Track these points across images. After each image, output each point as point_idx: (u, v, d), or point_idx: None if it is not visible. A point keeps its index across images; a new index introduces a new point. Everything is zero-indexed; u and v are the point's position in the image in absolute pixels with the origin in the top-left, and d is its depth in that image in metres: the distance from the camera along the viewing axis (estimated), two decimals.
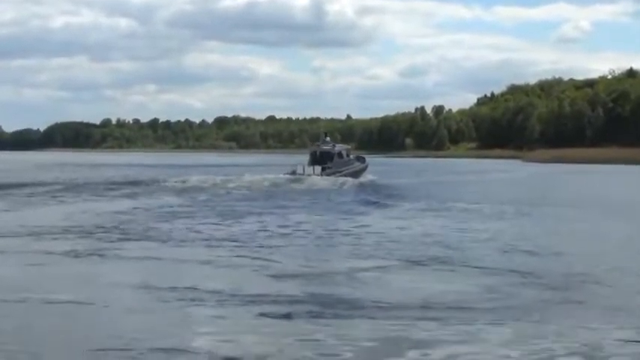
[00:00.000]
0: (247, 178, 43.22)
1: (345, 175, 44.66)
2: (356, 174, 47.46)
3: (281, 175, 43.99)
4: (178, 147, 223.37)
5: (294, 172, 44.10)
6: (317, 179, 42.17)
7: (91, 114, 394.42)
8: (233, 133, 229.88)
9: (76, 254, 15.98)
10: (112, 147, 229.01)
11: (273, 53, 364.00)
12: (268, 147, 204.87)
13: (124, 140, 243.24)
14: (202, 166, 76.59)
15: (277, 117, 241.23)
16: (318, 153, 46.88)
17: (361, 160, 51.84)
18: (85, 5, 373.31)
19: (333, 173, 44.54)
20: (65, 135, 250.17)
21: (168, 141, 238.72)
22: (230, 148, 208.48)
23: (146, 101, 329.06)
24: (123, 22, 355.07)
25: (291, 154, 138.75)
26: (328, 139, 50.63)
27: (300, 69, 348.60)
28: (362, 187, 40.54)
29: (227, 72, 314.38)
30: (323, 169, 44.37)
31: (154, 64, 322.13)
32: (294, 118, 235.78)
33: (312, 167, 44.56)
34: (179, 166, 75.73)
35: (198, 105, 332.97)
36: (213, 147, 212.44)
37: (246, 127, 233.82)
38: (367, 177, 48.66)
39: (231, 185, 39.67)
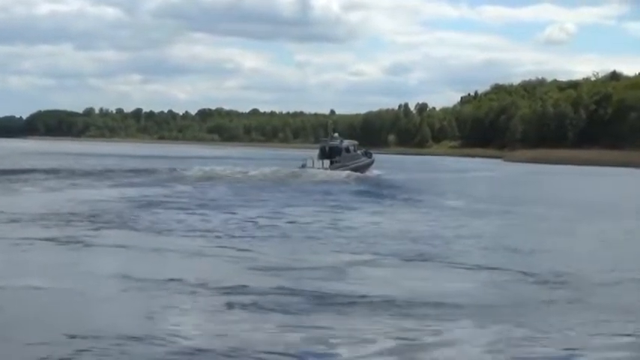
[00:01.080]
0: (251, 170, 43.92)
1: (352, 170, 46.25)
2: (362, 168, 49.13)
3: (291, 169, 45.11)
4: (161, 138, 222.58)
5: (304, 166, 45.88)
6: (324, 172, 43.69)
7: (74, 102, 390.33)
8: (216, 126, 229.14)
9: (55, 242, 16.02)
10: (94, 136, 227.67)
11: (258, 46, 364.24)
12: (251, 140, 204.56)
13: (106, 130, 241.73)
14: (192, 157, 76.36)
15: (261, 110, 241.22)
16: (327, 148, 48.63)
17: (368, 154, 53.12)
18: None
19: (341, 167, 46.28)
20: (48, 123, 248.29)
21: (151, 132, 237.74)
22: (213, 141, 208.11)
23: (130, 91, 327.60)
24: (109, 11, 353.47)
25: (278, 149, 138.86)
26: (336, 134, 53.35)
27: (285, 63, 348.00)
28: (366, 181, 41.41)
29: (212, 64, 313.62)
30: (331, 163, 45.87)
31: (139, 54, 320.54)
32: (277, 111, 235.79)
33: (321, 161, 46.48)
34: (165, 158, 75.46)
35: (182, 96, 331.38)
36: (196, 139, 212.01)
37: (230, 119, 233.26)
38: (373, 172, 49.92)
39: (235, 177, 40.28)
